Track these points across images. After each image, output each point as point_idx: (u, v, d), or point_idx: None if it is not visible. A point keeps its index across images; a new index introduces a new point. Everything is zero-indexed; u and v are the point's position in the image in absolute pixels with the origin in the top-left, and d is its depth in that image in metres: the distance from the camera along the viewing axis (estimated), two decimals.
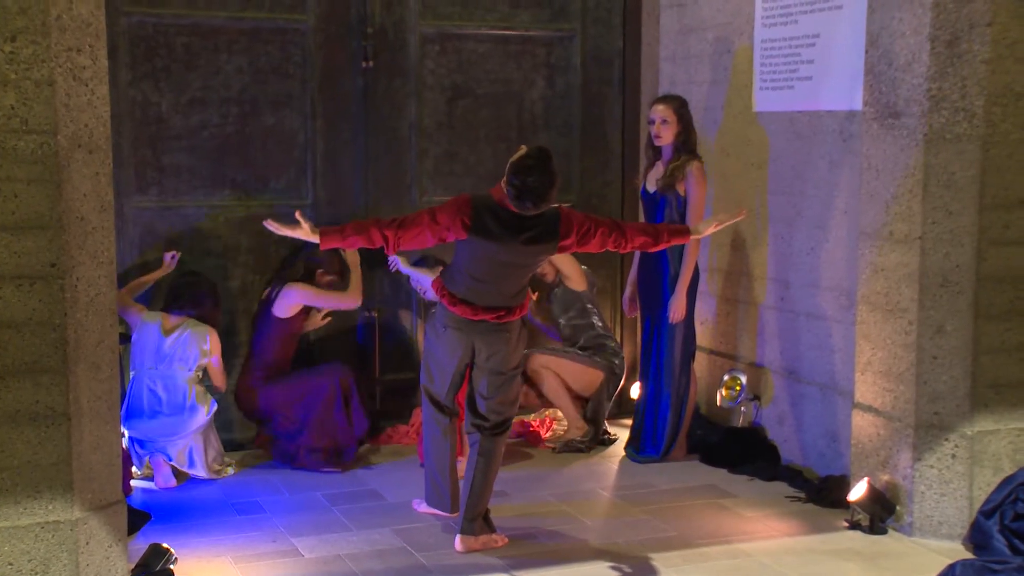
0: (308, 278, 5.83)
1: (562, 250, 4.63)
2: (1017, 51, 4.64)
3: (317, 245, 5.65)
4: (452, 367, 4.77)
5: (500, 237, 4.47)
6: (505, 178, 4.44)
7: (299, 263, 5.88)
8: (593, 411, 6.16)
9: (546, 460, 5.96)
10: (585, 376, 6.10)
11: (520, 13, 6.52)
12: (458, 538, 4.71)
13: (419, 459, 5.82)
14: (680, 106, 5.76)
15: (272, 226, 4.48)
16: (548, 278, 6.23)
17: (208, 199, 5.98)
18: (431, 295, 5.37)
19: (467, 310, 4.60)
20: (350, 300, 5.88)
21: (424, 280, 5.75)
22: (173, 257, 5.77)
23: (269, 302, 5.74)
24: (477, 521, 4.72)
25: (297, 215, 4.53)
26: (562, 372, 6.05)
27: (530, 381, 6.02)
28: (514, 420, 5.52)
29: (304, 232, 4.47)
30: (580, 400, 6.15)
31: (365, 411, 5.83)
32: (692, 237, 4.92)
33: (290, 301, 5.70)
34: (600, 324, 6.24)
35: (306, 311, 5.86)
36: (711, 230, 4.93)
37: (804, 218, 5.69)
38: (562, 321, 6.20)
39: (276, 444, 5.78)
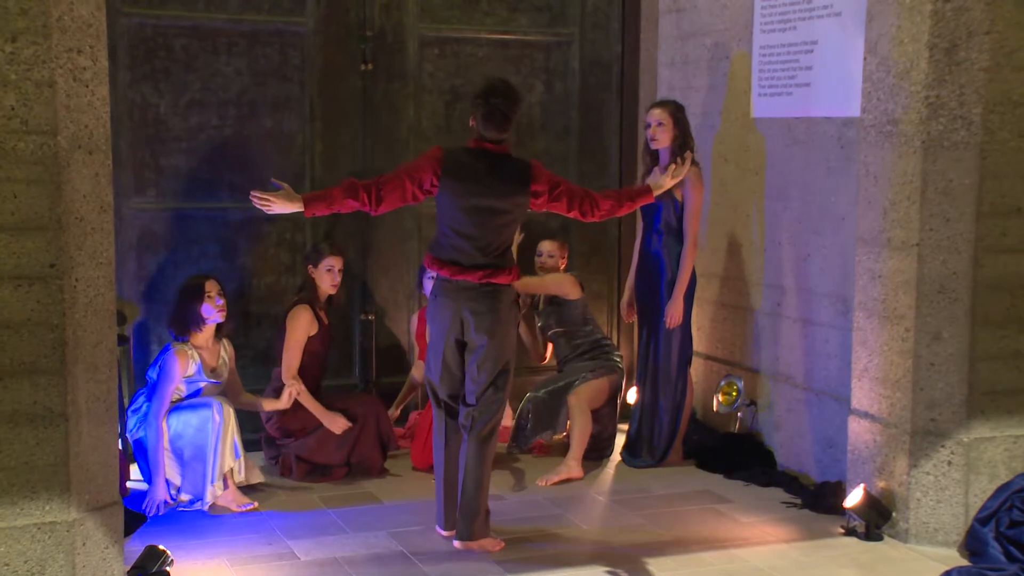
0: (311, 289, 5.70)
1: (535, 196, 4.74)
2: (1015, 59, 4.65)
3: (314, 250, 5.71)
4: (443, 340, 4.75)
5: (471, 174, 4.66)
6: (473, 111, 4.68)
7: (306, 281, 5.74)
8: (608, 419, 6.09)
9: (542, 465, 5.94)
10: (607, 385, 6.04)
11: (519, 17, 6.53)
12: (455, 541, 4.74)
13: (411, 463, 5.84)
14: (676, 110, 5.78)
15: (257, 198, 4.56)
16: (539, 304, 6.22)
17: (206, 201, 5.97)
18: None
19: (454, 268, 4.68)
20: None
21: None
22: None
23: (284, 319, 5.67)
24: (475, 523, 4.72)
25: (274, 180, 4.64)
26: (594, 395, 5.95)
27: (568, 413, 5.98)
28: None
29: (284, 197, 4.55)
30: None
31: (381, 449, 5.75)
32: (655, 193, 5.17)
33: (294, 321, 5.61)
34: (598, 330, 6.24)
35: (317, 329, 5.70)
36: (669, 183, 5.32)
37: (801, 224, 5.70)
38: (561, 332, 6.15)
39: (298, 460, 5.63)
